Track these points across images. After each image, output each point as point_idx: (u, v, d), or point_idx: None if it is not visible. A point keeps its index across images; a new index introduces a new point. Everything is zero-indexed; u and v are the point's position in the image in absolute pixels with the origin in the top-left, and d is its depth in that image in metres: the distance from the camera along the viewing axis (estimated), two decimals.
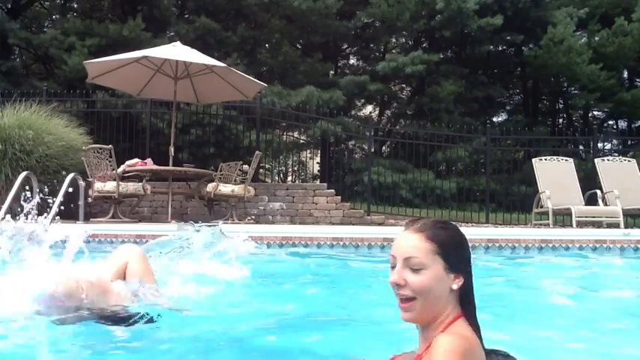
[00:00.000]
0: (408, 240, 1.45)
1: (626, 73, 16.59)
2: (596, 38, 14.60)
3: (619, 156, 10.63)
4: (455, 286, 1.44)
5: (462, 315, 1.45)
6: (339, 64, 18.09)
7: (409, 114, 16.91)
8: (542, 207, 8.72)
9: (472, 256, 1.52)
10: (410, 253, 1.43)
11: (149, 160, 8.44)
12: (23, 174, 6.14)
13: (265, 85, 9.76)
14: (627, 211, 8.45)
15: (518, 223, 9.82)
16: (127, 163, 8.14)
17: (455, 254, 1.45)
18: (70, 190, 5.87)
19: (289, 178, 16.73)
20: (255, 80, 9.06)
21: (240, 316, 2.63)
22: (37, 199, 2.83)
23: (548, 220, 8.36)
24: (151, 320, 2.23)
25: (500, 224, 9.59)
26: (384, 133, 16.13)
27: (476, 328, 1.46)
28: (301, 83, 13.51)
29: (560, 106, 18.58)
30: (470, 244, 1.53)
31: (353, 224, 8.98)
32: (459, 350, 1.33)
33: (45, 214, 2.67)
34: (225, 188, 8.16)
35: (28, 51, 15.62)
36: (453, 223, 1.56)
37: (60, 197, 5.61)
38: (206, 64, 8.35)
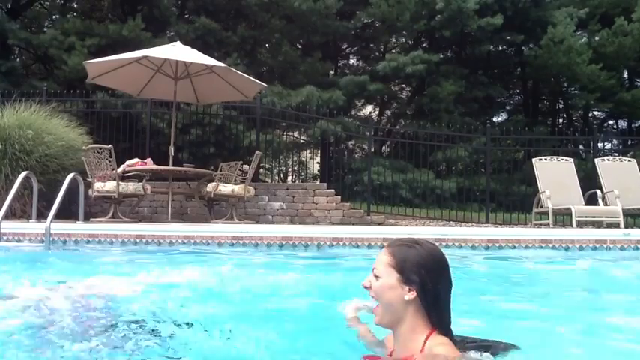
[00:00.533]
0: (380, 253, 1.77)
1: (626, 73, 16.59)
2: (596, 38, 14.60)
3: (619, 156, 10.63)
4: (407, 297, 1.69)
5: (435, 330, 1.68)
6: (339, 64, 18.10)
7: (409, 114, 16.93)
8: (542, 207, 8.71)
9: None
10: (375, 264, 1.76)
11: (149, 160, 8.44)
12: (23, 174, 6.13)
13: (265, 85, 9.75)
14: (627, 211, 8.45)
15: (518, 223, 9.82)
16: (127, 163, 8.13)
17: (411, 270, 1.69)
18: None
19: (289, 178, 16.74)
20: (255, 80, 9.05)
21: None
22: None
23: (548, 220, 8.36)
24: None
25: (500, 224, 9.59)
26: (384, 133, 16.14)
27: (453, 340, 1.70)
28: (301, 83, 13.51)
29: (560, 106, 18.59)
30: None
31: (353, 224, 8.98)
32: (456, 354, 1.63)
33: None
34: (225, 188, 8.15)
35: (28, 51, 15.62)
36: (431, 244, 1.76)
37: (60, 197, 5.60)
38: (206, 64, 8.34)
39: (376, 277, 1.74)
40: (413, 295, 1.68)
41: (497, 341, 1.86)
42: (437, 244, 1.82)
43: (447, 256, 1.76)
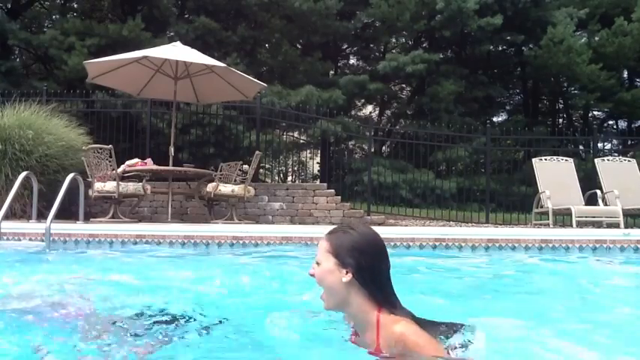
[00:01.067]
0: (319, 241, 1.89)
1: (626, 73, 16.60)
2: (596, 38, 14.61)
3: (619, 156, 10.62)
4: (344, 279, 1.80)
5: (381, 307, 1.79)
6: (339, 64, 18.10)
7: (409, 114, 16.92)
8: (542, 207, 8.72)
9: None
10: (316, 252, 1.88)
11: (149, 160, 8.44)
12: (23, 174, 6.12)
13: (265, 85, 9.75)
14: (627, 211, 8.45)
15: (518, 223, 9.82)
16: (127, 163, 8.13)
17: (346, 254, 1.80)
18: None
19: (289, 178, 16.75)
20: (255, 80, 9.05)
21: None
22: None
23: (548, 220, 8.36)
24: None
25: (501, 224, 9.59)
26: (384, 133, 16.15)
27: (405, 314, 1.79)
28: (301, 83, 13.52)
29: (560, 106, 18.59)
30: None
31: None
32: (415, 329, 1.73)
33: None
34: (225, 188, 8.15)
35: (28, 51, 15.62)
36: (367, 229, 1.89)
37: (60, 197, 5.60)
38: (206, 64, 8.34)
39: (318, 264, 1.86)
40: (349, 277, 1.80)
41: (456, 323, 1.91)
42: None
43: (382, 239, 1.88)
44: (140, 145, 10.41)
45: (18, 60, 16.23)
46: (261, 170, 13.57)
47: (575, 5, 14.49)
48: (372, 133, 11.17)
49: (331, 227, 1.94)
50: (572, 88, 16.09)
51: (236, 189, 8.19)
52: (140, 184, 7.90)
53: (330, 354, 1.99)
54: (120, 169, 7.85)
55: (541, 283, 4.11)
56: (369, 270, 1.81)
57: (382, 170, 11.84)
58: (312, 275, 1.88)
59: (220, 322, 2.32)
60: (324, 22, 14.22)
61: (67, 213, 6.76)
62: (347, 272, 1.80)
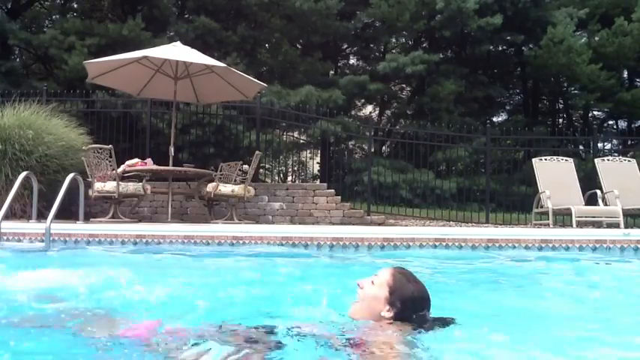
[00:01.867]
0: (385, 269, 2.15)
1: (626, 73, 16.59)
2: (596, 38, 14.60)
3: (619, 156, 10.62)
4: (383, 313, 2.05)
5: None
6: (339, 64, 18.09)
7: (409, 114, 16.92)
8: (542, 207, 8.72)
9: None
10: (377, 274, 2.13)
11: (149, 160, 8.44)
12: (23, 174, 6.12)
13: (265, 85, 9.75)
14: (627, 211, 8.45)
15: (518, 223, 9.82)
16: (127, 163, 8.13)
17: (398, 296, 2.05)
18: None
19: (289, 178, 16.75)
20: (255, 80, 9.05)
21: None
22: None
23: (548, 220, 8.36)
24: None
25: (501, 224, 9.59)
26: (384, 133, 16.15)
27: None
28: (301, 83, 13.51)
29: (560, 106, 18.58)
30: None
31: (353, 224, 8.98)
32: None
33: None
34: (225, 188, 8.15)
35: (28, 51, 15.61)
36: (424, 287, 2.11)
37: (60, 197, 5.60)
38: (206, 64, 8.34)
39: (372, 283, 2.10)
40: (390, 314, 2.04)
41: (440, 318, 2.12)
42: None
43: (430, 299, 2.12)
44: (140, 145, 10.41)
45: (18, 60, 16.22)
46: (261, 170, 13.57)
47: (575, 5, 14.48)
48: (372, 133, 11.17)
49: (396, 267, 2.19)
50: (572, 88, 16.08)
51: (236, 189, 8.19)
52: (140, 184, 7.90)
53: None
54: (120, 169, 7.85)
55: (540, 282, 4.12)
56: (407, 318, 2.05)
57: (382, 170, 11.84)
58: (359, 285, 2.12)
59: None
60: (324, 22, 14.22)
61: (67, 213, 6.76)
62: (389, 310, 2.04)
